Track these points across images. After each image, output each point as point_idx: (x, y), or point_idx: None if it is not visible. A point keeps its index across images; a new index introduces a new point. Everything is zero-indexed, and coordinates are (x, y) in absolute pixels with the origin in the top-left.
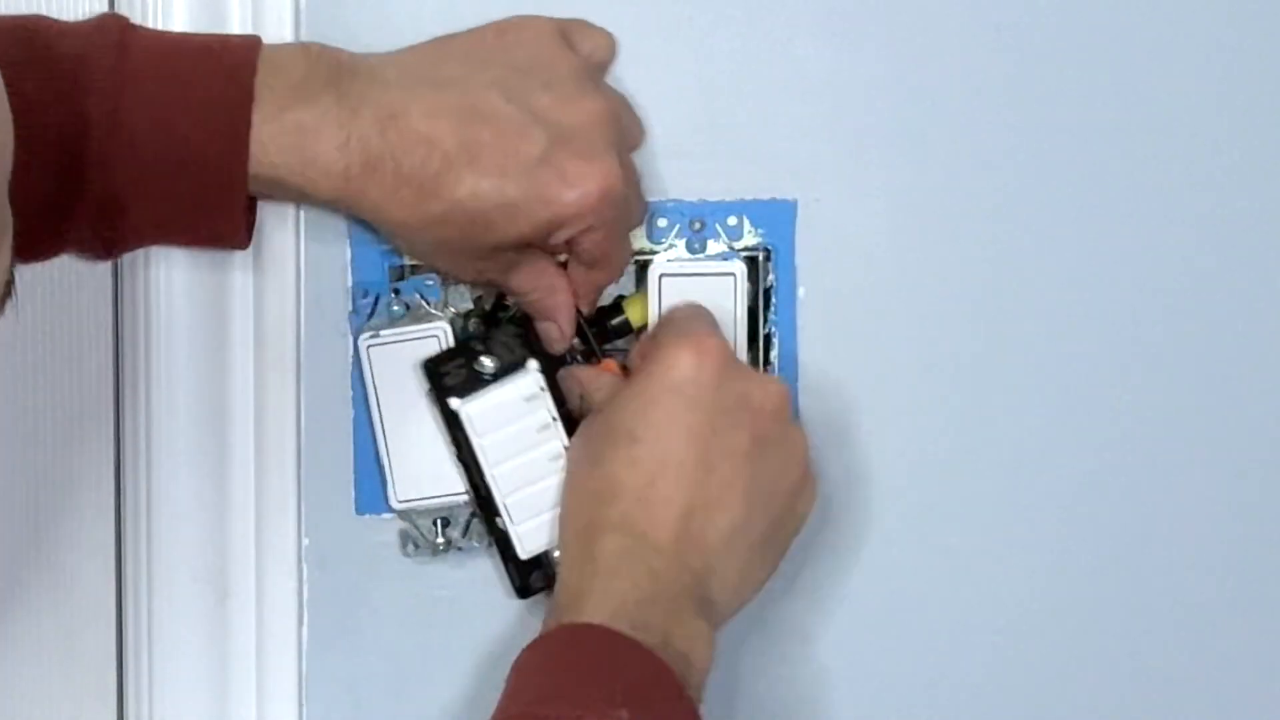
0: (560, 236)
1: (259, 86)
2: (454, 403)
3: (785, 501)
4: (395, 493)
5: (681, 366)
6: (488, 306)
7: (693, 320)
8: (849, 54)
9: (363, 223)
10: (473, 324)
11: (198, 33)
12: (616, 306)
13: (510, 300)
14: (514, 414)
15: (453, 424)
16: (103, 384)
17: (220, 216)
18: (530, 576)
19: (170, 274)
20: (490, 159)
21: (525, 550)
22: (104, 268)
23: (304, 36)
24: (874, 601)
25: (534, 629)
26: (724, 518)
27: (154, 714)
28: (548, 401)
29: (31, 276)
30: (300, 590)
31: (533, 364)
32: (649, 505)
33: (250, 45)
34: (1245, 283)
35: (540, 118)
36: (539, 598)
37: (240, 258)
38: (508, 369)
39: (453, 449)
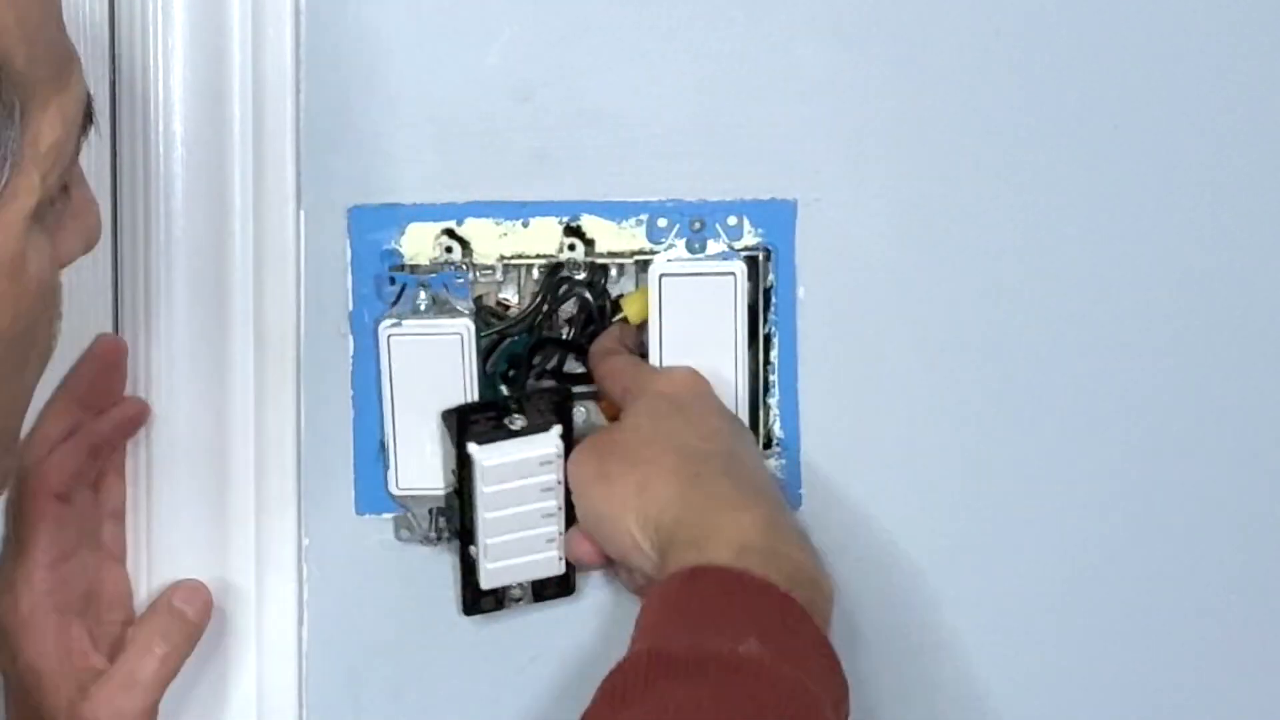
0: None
1: None
2: (472, 448)
3: None
4: (397, 479)
5: (680, 376)
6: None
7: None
8: (849, 54)
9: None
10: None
11: None
12: (615, 305)
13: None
14: (525, 471)
15: (463, 465)
16: None
17: None
18: (482, 600)
19: (170, 273)
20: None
21: (487, 583)
22: (103, 268)
23: (304, 36)
24: (873, 601)
25: (532, 629)
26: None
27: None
28: (559, 466)
29: None
30: (300, 590)
31: (556, 429)
32: (736, 455)
33: None
34: (1247, 283)
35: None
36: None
37: (240, 257)
38: (533, 429)
39: (452, 483)
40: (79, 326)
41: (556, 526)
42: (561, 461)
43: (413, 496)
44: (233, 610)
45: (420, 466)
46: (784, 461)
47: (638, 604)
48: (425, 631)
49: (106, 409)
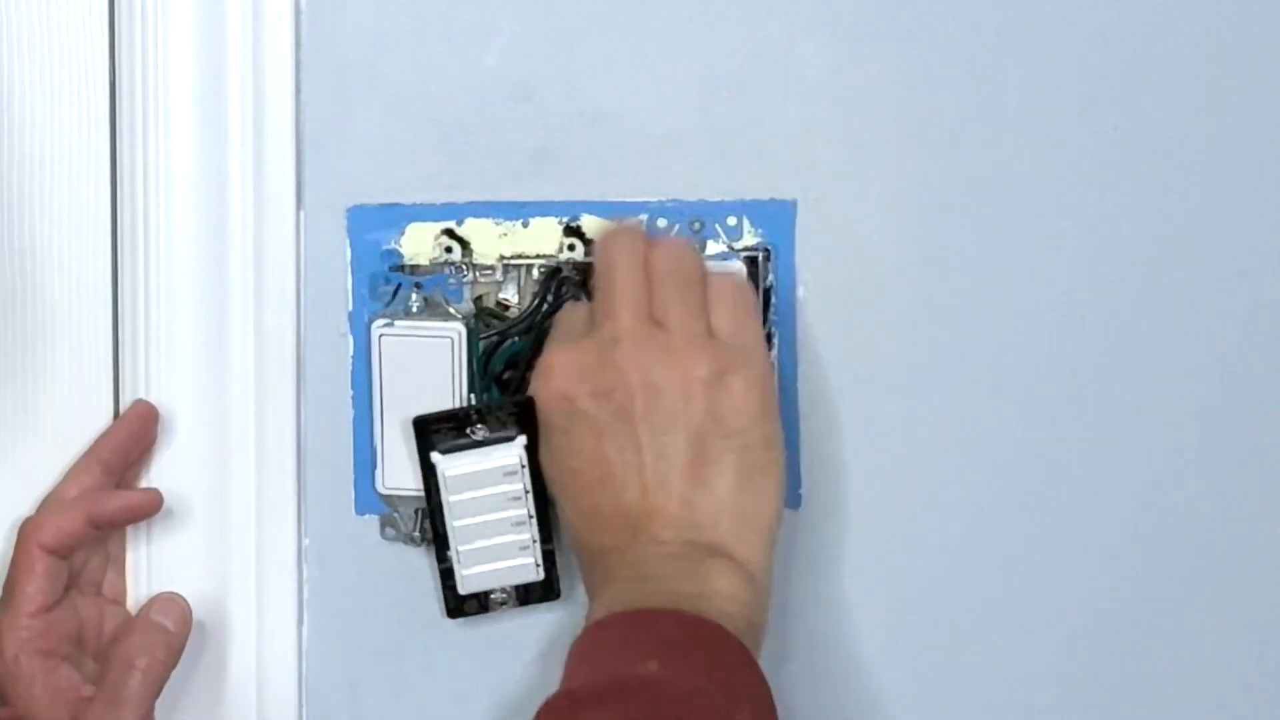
0: None
1: None
2: (435, 456)
3: (697, 418)
4: (383, 478)
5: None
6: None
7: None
8: (849, 54)
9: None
10: (482, 325)
11: None
12: None
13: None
14: (489, 481)
15: (429, 475)
16: (103, 384)
17: None
18: (465, 602)
19: (170, 273)
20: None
21: (465, 588)
22: (103, 267)
23: (304, 36)
24: (872, 600)
25: (533, 629)
26: (659, 466)
27: (153, 713)
28: (525, 476)
29: (33, 274)
30: (300, 590)
31: (520, 440)
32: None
33: None
34: (1248, 283)
35: None
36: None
37: (240, 257)
38: (496, 440)
39: (424, 492)
40: (78, 327)
41: (530, 534)
42: (526, 472)
43: (398, 496)
44: (233, 610)
45: (405, 467)
46: (784, 461)
47: None
48: (425, 632)
49: (125, 478)
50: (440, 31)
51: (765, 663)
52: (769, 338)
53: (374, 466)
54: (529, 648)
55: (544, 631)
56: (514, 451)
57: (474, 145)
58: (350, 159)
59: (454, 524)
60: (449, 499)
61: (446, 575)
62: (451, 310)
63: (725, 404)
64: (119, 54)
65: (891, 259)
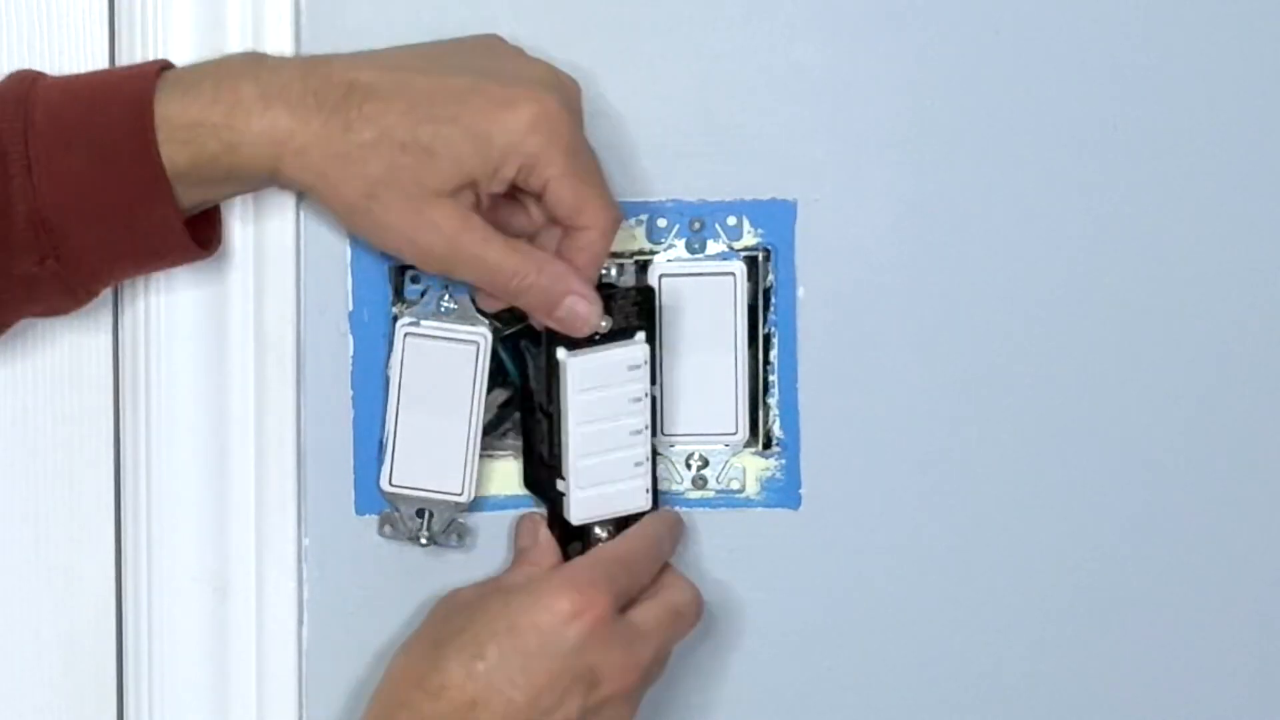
0: (508, 170)
1: (165, 79)
2: (561, 353)
3: None
4: (390, 475)
5: (556, 611)
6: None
7: (610, 564)
8: (849, 54)
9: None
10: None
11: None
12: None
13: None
14: (614, 379)
15: (552, 375)
16: (103, 384)
17: (152, 212)
18: (569, 545)
19: (170, 274)
20: (419, 90)
21: (575, 517)
22: None
23: (304, 36)
24: (872, 601)
25: None
26: None
27: (154, 714)
28: (647, 375)
29: None
30: (300, 590)
31: (641, 335)
32: None
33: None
34: (1248, 284)
35: (472, 66)
36: None
37: (240, 257)
38: (618, 334)
39: (541, 401)
40: (78, 327)
41: (644, 449)
42: (648, 369)
43: (402, 495)
44: (233, 610)
45: (415, 466)
46: (784, 461)
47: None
48: None
49: None
50: (440, 32)
51: (762, 665)
52: (769, 338)
53: (381, 463)
54: None
55: None
56: (638, 347)
57: None
58: None
59: (575, 431)
60: (575, 399)
61: (555, 509)
62: (478, 314)
63: None
64: (119, 54)
65: (891, 259)
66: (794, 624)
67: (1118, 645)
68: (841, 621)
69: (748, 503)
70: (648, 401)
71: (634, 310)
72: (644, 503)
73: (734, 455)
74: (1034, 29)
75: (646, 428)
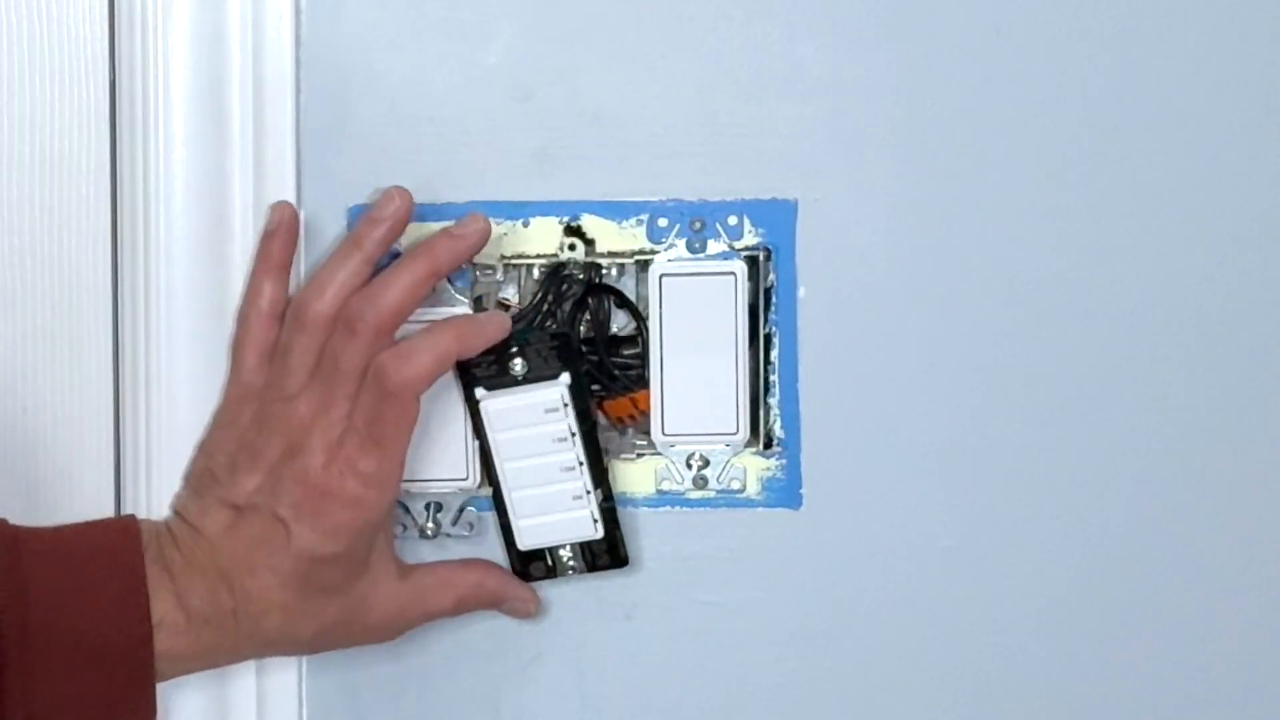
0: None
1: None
2: (479, 393)
3: None
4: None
5: None
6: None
7: None
8: (849, 54)
9: None
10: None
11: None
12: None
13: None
14: (532, 419)
15: (475, 414)
16: (103, 384)
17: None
18: (530, 565)
19: (170, 273)
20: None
21: (523, 543)
22: (103, 267)
23: (304, 37)
24: (872, 601)
25: (531, 630)
26: None
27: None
28: (569, 416)
29: (33, 274)
30: None
31: (564, 378)
32: None
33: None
34: (1248, 284)
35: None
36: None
37: (240, 258)
38: (539, 377)
39: (477, 438)
40: (77, 328)
41: (580, 483)
42: (570, 410)
43: (409, 490)
44: None
45: (422, 458)
46: (785, 461)
47: (625, 612)
48: (425, 631)
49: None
50: (440, 32)
51: (762, 665)
52: (769, 338)
53: None
54: (532, 647)
55: (545, 630)
56: (557, 389)
57: (474, 145)
58: (350, 159)
59: (504, 466)
60: (495, 437)
61: (508, 535)
62: (456, 294)
63: None
64: (119, 54)
65: (891, 259)
66: (794, 624)
67: (1118, 645)
68: (841, 621)
69: (748, 503)
70: (577, 440)
71: (553, 354)
72: (593, 532)
73: (735, 455)
74: (1034, 29)
75: (581, 464)
